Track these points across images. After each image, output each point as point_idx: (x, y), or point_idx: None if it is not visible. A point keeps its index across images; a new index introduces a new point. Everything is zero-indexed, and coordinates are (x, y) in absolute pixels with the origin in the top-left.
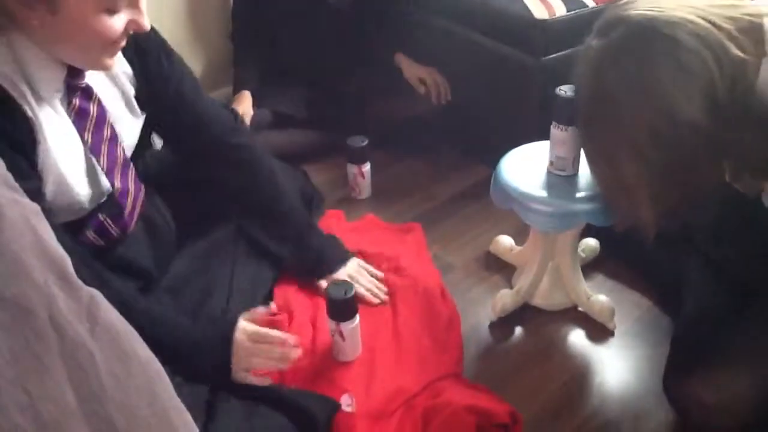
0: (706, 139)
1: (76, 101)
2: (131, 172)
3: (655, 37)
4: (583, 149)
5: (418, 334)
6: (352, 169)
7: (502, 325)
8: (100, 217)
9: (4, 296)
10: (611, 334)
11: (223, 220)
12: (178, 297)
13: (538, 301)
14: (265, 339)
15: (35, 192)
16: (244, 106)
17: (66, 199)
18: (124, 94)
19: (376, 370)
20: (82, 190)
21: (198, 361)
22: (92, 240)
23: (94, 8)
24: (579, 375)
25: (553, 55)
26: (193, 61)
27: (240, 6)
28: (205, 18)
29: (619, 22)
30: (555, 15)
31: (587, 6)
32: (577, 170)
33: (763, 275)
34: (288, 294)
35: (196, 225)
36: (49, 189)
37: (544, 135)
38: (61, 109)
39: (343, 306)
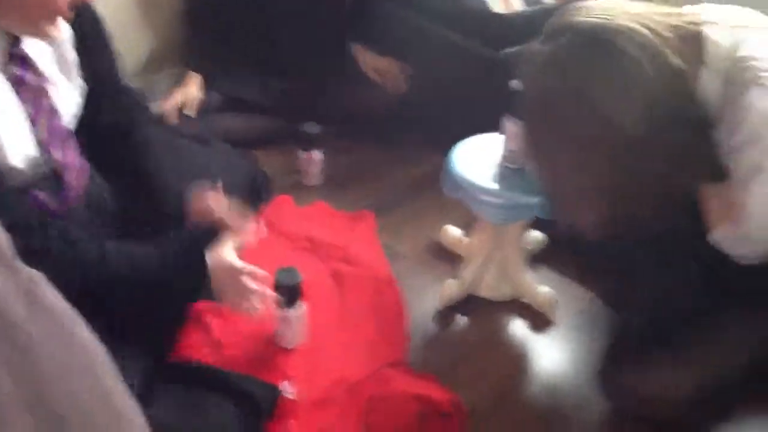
0: (643, 147)
1: (17, 71)
2: (73, 146)
3: (598, 45)
4: (526, 148)
5: (364, 322)
6: (303, 155)
7: (448, 314)
8: (38, 194)
9: None
10: (553, 325)
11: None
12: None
13: (483, 291)
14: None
15: None
16: (193, 88)
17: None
18: (65, 61)
19: (321, 357)
20: (19, 161)
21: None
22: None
23: None
24: (522, 365)
25: (510, 49)
26: (141, 40)
27: None
28: None
29: (566, 28)
30: (513, 9)
31: (544, 2)
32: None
33: (703, 267)
34: None
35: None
36: None
37: (499, 127)
38: (2, 78)
39: (289, 292)
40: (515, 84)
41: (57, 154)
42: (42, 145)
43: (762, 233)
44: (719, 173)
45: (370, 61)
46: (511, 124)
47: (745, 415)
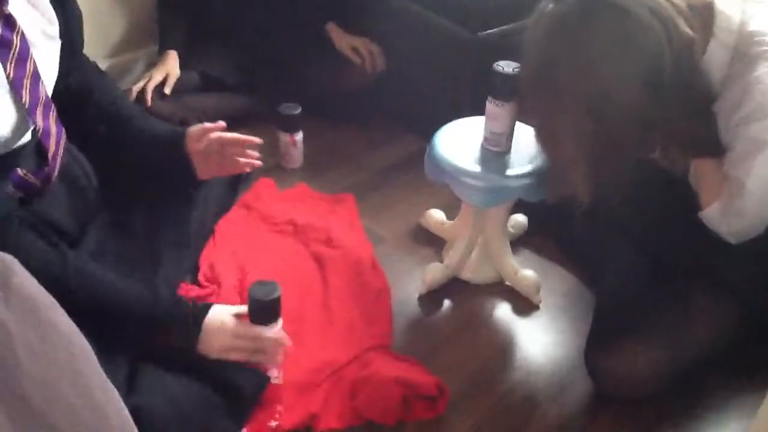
0: (644, 113)
1: (1, 31)
2: (53, 113)
3: (607, 7)
4: (527, 114)
5: (347, 305)
6: (284, 137)
7: (431, 298)
8: (20, 172)
9: None
10: (537, 308)
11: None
12: (100, 264)
13: (466, 274)
14: (246, 336)
15: None
16: (169, 66)
17: None
18: (44, 15)
19: (305, 341)
20: (3, 128)
21: (147, 333)
22: (10, 194)
23: None
24: (505, 348)
25: (490, 31)
26: (116, 18)
27: None
28: None
29: None
30: None
31: None
32: (510, 146)
33: (678, 252)
34: (214, 263)
35: (118, 181)
36: None
37: (477, 110)
38: None
39: (264, 308)
40: (498, 66)
41: (39, 120)
42: (25, 110)
43: (757, 210)
44: (715, 148)
45: (346, 40)
46: (492, 107)
47: (725, 394)
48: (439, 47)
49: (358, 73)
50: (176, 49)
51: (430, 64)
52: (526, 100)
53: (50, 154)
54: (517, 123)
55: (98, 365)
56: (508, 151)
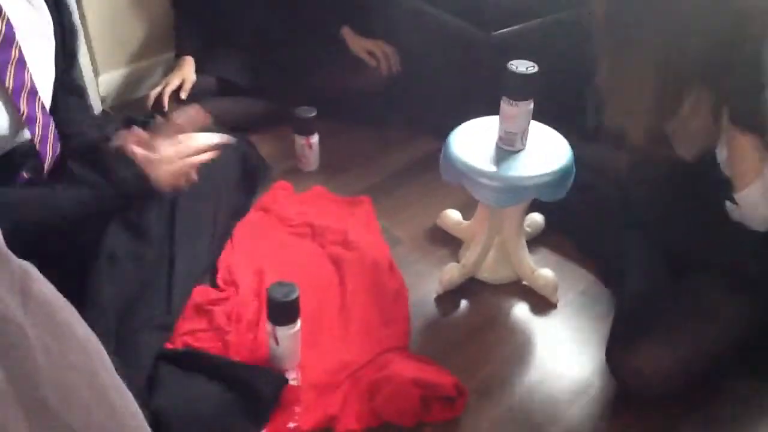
0: (722, 54)
1: None
2: (38, 101)
3: None
4: (599, 50)
5: (365, 306)
6: (299, 140)
7: (449, 298)
8: (25, 175)
9: None
10: (554, 307)
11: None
12: (115, 267)
13: (484, 274)
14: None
15: None
16: (186, 71)
17: None
18: (40, 16)
19: (323, 342)
20: None
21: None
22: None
23: None
24: (523, 347)
25: (504, 30)
26: (135, 25)
27: None
28: None
29: None
30: None
31: None
32: (526, 145)
33: (697, 247)
34: (231, 266)
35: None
36: None
37: (492, 110)
38: None
39: (283, 309)
40: (512, 65)
41: (23, 106)
42: (7, 94)
43: None
44: (762, 125)
45: (360, 43)
46: (507, 106)
47: (743, 391)
48: (453, 47)
49: (372, 75)
50: (192, 55)
51: (445, 64)
52: (599, 34)
53: (36, 139)
54: (532, 122)
55: (113, 368)
56: (523, 150)
